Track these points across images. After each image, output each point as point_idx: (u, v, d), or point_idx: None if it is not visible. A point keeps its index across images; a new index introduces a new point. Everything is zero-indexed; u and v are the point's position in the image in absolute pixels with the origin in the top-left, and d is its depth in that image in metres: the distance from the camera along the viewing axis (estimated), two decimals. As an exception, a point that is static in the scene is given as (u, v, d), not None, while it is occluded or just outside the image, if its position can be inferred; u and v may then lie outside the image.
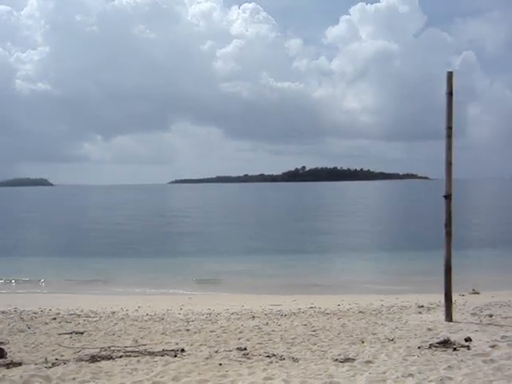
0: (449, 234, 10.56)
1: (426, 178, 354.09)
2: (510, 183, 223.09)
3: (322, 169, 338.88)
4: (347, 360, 7.34)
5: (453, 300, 10.77)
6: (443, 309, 10.88)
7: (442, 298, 12.03)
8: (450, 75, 10.78)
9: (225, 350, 8.14)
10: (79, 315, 12.40)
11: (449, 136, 10.64)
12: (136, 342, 9.11)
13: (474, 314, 11.01)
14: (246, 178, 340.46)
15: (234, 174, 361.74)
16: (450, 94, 10.69)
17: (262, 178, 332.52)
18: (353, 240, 34.32)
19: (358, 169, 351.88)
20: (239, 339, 9.03)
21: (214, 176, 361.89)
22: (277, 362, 7.38)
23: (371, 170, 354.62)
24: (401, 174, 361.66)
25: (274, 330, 9.74)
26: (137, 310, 13.34)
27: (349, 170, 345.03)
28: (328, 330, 9.59)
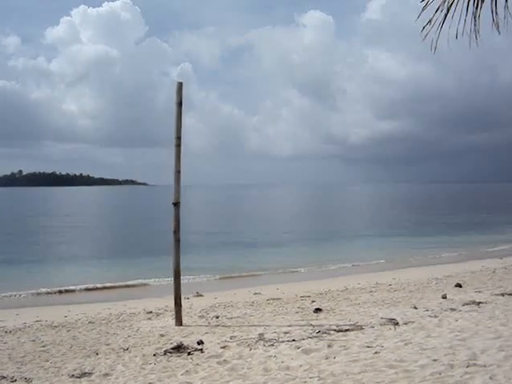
0: (178, 240, 10.78)
1: (145, 184, 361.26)
2: (218, 190, 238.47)
3: (40, 173, 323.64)
4: (84, 375, 7.04)
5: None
6: (172, 313, 11.08)
7: (168, 302, 12.29)
8: (179, 86, 11.03)
9: None
10: None
11: (177, 145, 10.86)
12: None
13: (201, 317, 11.38)
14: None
15: None
16: (179, 104, 10.92)
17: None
18: (75, 247, 33.21)
19: (78, 174, 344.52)
20: (-39, 363, 8.08)
21: None
22: (8, 384, 6.78)
23: (91, 175, 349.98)
24: (120, 179, 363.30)
25: (-1, 349, 8.95)
26: None
27: (68, 174, 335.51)
28: (59, 345, 9.10)
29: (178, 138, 10.86)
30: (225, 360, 7.42)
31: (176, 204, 10.81)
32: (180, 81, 11.09)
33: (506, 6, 4.61)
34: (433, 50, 4.77)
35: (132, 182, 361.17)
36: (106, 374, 7.03)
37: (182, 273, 10.85)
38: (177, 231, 10.79)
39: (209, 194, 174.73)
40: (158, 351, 8.16)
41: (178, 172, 10.87)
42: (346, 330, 8.79)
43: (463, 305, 10.67)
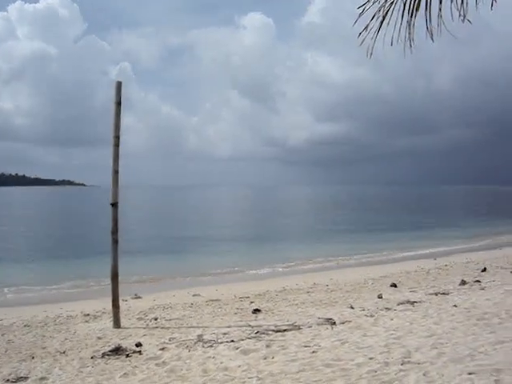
0: (116, 241, 10.66)
1: (83, 184, 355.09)
2: (157, 190, 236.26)
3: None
4: (19, 379, 6.90)
5: (119, 306, 10.88)
6: (109, 316, 10.96)
7: (105, 304, 12.12)
8: (118, 85, 10.92)
9: None
10: None
11: (116, 145, 10.74)
12: None
13: (140, 319, 11.29)
14: None
15: None
16: (118, 103, 10.81)
17: None
18: (6, 250, 32.12)
19: (13, 174, 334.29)
20: None
21: None
22: None
23: (26, 175, 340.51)
24: (57, 180, 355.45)
25: None
26: None
27: (3, 174, 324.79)
28: (-7, 349, 8.88)
29: (117, 137, 10.73)
30: (163, 362, 7.40)
31: (114, 204, 10.69)
32: (119, 80, 10.99)
33: (440, 15, 4.76)
34: (369, 55, 4.88)
35: (69, 183, 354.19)
36: (43, 378, 6.90)
37: (119, 274, 10.72)
38: (115, 232, 10.67)
39: (148, 194, 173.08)
40: (96, 354, 8.06)
41: (116, 172, 10.75)
42: (284, 330, 8.89)
43: (398, 304, 10.92)
